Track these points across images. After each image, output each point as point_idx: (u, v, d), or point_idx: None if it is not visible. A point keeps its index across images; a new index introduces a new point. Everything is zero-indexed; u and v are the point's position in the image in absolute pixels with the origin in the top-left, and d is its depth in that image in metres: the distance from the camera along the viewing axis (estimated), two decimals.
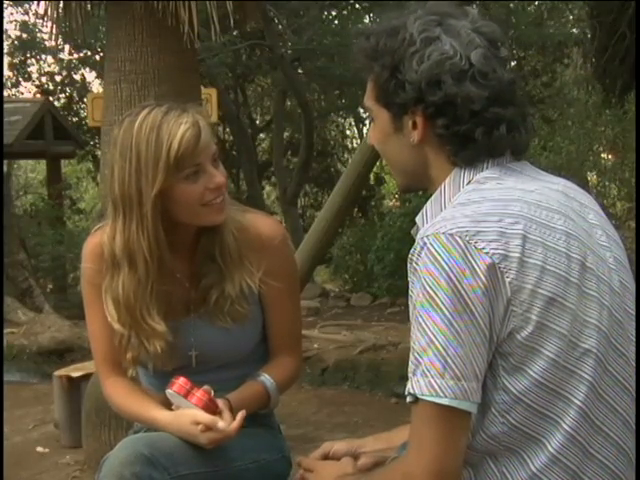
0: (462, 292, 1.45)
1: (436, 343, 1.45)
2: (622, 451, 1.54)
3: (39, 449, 5.19)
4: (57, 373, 5.35)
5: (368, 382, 7.06)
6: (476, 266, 1.45)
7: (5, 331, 8.64)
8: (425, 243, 1.49)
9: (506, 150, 1.61)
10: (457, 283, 1.45)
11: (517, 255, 1.47)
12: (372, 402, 6.45)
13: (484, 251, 1.46)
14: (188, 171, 2.02)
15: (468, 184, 1.59)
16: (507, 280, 1.46)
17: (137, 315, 2.09)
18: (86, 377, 4.99)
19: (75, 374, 5.21)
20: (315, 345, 7.90)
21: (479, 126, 1.57)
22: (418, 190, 1.74)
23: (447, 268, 1.45)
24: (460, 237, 1.47)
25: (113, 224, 2.09)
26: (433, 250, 1.47)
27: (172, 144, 1.99)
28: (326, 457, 1.95)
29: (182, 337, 2.13)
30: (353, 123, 19.56)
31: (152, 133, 2.00)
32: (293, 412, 5.86)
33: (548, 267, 1.49)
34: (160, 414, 2.07)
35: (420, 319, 1.47)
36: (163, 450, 1.98)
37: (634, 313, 1.60)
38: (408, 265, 1.52)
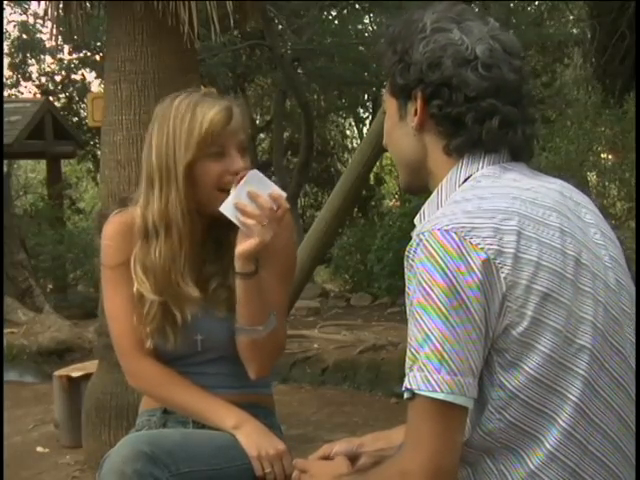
0: (458, 288, 1.45)
1: (432, 338, 1.45)
2: (618, 448, 1.54)
3: (39, 449, 5.20)
4: (57, 373, 5.35)
5: (368, 382, 7.06)
6: (471, 262, 1.46)
7: (5, 331, 8.64)
8: (421, 240, 1.50)
9: (500, 147, 1.61)
10: (453, 279, 1.45)
11: (512, 251, 1.48)
12: (372, 402, 6.45)
13: (479, 247, 1.47)
14: (214, 149, 2.13)
15: (464, 182, 1.60)
16: (502, 276, 1.47)
17: (173, 282, 2.15)
18: (86, 377, 5.00)
19: (75, 374, 5.21)
20: (315, 345, 7.91)
21: (471, 112, 1.58)
22: (419, 189, 1.74)
23: (443, 264, 1.46)
24: (455, 233, 1.48)
25: (146, 196, 2.17)
26: (429, 246, 1.48)
27: (203, 120, 2.12)
28: (326, 459, 1.94)
29: (190, 320, 2.16)
30: (353, 123, 19.56)
31: (188, 111, 2.15)
32: (293, 412, 5.86)
33: (543, 263, 1.49)
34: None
35: (417, 315, 1.48)
36: (164, 448, 1.98)
37: (631, 311, 1.60)
38: (404, 262, 1.53)
